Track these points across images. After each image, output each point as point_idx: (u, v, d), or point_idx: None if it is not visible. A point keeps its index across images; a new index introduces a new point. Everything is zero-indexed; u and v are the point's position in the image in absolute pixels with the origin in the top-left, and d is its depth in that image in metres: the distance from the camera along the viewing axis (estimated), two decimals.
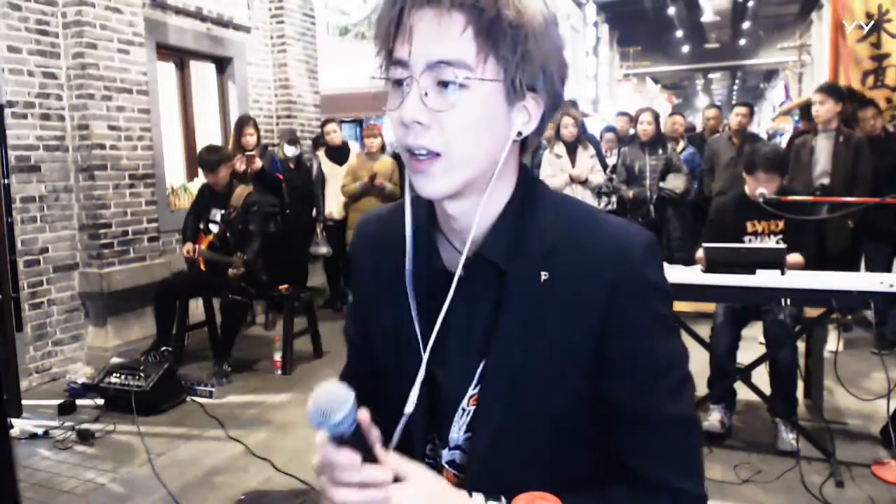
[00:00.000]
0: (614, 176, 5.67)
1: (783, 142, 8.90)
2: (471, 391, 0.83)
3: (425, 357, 0.80)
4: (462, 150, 0.75)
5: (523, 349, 0.80)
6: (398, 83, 0.76)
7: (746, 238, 3.20)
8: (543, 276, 0.80)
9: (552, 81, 0.78)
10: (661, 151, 5.31)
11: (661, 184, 5.22)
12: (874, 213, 4.11)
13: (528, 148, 0.85)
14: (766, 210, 2.95)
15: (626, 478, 0.81)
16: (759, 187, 3.05)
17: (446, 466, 0.87)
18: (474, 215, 0.79)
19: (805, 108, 6.52)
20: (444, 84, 0.73)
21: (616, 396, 0.80)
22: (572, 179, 5.32)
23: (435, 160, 0.75)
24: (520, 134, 0.79)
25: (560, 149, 5.46)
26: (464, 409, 0.84)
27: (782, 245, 2.98)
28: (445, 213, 0.82)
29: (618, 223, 0.84)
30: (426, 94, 0.73)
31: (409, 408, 0.80)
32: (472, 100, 0.73)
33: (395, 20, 0.74)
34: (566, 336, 0.79)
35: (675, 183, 5.21)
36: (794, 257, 3.00)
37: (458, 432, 0.85)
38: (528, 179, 0.85)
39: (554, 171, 5.42)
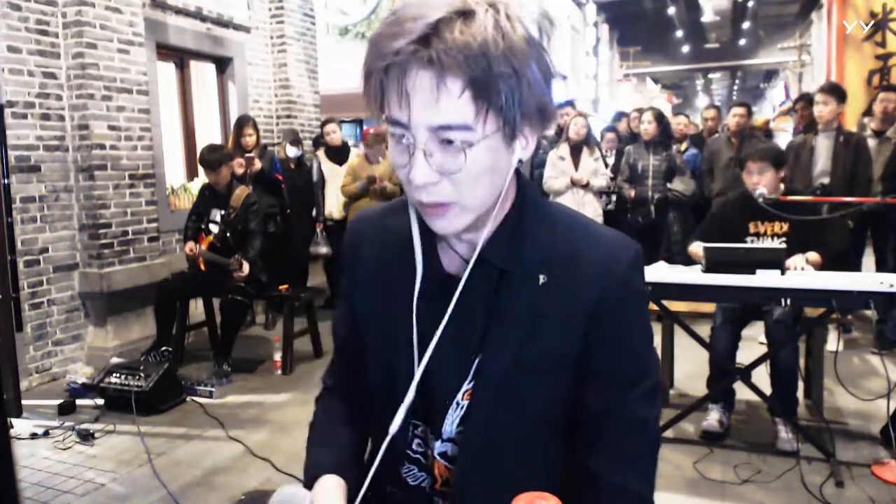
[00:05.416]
0: (615, 175, 5.64)
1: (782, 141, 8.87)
2: (466, 386, 0.86)
3: (426, 358, 0.81)
4: (474, 198, 0.78)
5: (517, 346, 0.82)
6: (398, 135, 0.77)
7: (748, 239, 3.18)
8: (542, 278, 0.83)
9: (546, 106, 0.78)
10: (664, 152, 5.28)
11: (670, 185, 5.20)
12: (883, 208, 4.07)
13: (523, 162, 0.87)
14: (770, 211, 2.93)
15: (582, 481, 0.83)
16: (754, 180, 3.04)
17: (438, 458, 0.89)
18: (480, 234, 0.82)
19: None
20: (447, 141, 0.74)
21: (591, 396, 0.83)
22: (573, 183, 5.29)
23: (448, 207, 0.78)
24: (521, 161, 0.81)
25: (564, 150, 5.40)
26: (458, 404, 0.86)
27: (783, 246, 2.96)
28: None
29: (608, 237, 0.87)
30: (431, 154, 0.75)
31: (403, 409, 0.82)
32: (477, 154, 0.75)
33: (390, 79, 0.73)
34: (557, 337, 0.83)
35: (683, 186, 5.19)
36: (812, 256, 2.99)
37: (451, 426, 0.87)
38: (525, 192, 0.87)
39: (556, 173, 5.38)
